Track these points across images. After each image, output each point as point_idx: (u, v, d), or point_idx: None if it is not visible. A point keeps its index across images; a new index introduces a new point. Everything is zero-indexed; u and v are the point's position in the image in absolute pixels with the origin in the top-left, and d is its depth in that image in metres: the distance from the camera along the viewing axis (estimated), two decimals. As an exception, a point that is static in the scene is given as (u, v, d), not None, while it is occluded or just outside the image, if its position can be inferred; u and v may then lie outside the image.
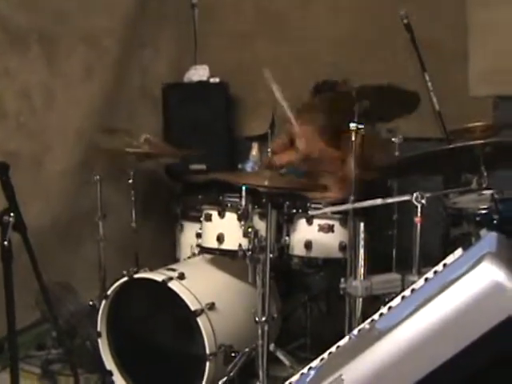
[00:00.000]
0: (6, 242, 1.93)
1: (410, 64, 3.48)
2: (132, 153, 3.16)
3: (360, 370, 1.17)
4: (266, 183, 2.48)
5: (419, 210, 2.19)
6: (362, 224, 2.31)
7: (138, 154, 3.17)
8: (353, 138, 2.64)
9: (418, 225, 2.19)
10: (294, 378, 1.47)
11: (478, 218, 2.63)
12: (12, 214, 1.96)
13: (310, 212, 2.85)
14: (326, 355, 1.47)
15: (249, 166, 3.57)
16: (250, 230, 2.67)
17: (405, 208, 2.94)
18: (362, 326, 1.49)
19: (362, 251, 2.27)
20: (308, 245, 2.88)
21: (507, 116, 3.69)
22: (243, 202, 2.76)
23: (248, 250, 2.67)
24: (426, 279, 1.49)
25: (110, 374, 2.86)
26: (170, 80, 4.26)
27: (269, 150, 2.64)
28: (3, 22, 3.28)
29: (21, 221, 2.00)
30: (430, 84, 3.27)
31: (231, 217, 2.83)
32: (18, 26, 3.34)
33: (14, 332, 2.02)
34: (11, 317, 1.99)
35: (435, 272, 1.50)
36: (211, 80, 4.20)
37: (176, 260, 3.38)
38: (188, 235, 3.32)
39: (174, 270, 2.85)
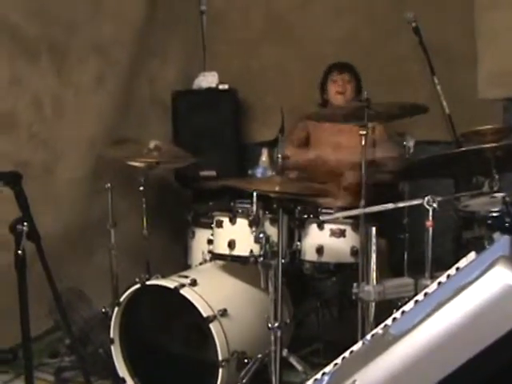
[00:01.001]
0: (20, 251, 1.95)
1: (416, 66, 3.49)
2: (142, 161, 3.18)
3: (374, 375, 1.17)
4: (277, 189, 2.48)
5: (431, 213, 2.18)
6: (373, 228, 2.31)
7: (148, 161, 3.19)
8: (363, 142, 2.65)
9: (430, 229, 2.19)
10: (308, 384, 1.47)
11: (489, 221, 2.62)
12: (25, 224, 1.97)
13: (321, 217, 2.85)
14: (339, 360, 1.47)
15: (259, 172, 3.56)
16: (261, 235, 2.67)
17: (416, 211, 2.94)
18: (375, 330, 1.49)
19: (374, 256, 2.27)
20: (320, 250, 2.88)
21: (517, 118, 3.69)
22: (254, 208, 2.76)
23: (259, 255, 2.67)
24: (439, 283, 1.49)
25: (123, 381, 2.87)
26: (179, 87, 4.27)
27: (279, 155, 2.64)
28: (14, 31, 3.31)
29: (34, 230, 2.01)
30: (439, 87, 3.28)
31: (242, 223, 2.84)
32: (28, 35, 3.37)
33: (28, 340, 2.03)
34: (25, 325, 2.00)
35: (448, 276, 1.50)
36: (220, 87, 4.21)
37: (187, 267, 3.38)
38: (199, 242, 3.32)
39: (186, 276, 2.85)
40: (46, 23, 3.45)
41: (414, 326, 1.16)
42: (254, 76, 4.40)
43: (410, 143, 3.21)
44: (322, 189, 3.12)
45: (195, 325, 2.68)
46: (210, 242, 3.10)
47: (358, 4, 4.13)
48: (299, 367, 2.78)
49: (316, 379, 1.45)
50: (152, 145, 3.24)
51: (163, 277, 2.87)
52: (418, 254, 2.49)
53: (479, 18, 3.81)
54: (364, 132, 2.63)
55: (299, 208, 2.90)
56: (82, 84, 3.66)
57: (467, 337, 1.11)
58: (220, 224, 2.93)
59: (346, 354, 1.47)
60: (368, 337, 1.49)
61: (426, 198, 2.20)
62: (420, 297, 1.50)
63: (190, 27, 4.50)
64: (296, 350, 2.94)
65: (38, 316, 2.41)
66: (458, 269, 1.49)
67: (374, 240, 2.28)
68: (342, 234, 2.86)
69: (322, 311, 3.34)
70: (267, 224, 2.79)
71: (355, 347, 1.49)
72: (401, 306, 1.52)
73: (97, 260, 3.62)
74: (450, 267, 1.54)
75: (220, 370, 2.59)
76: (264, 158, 3.53)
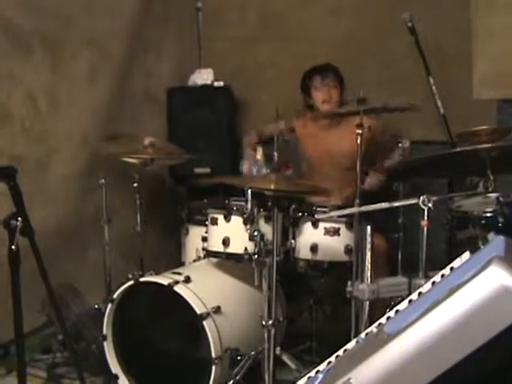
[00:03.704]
0: (13, 247, 1.93)
1: (411, 67, 3.49)
2: (137, 157, 3.17)
3: (369, 373, 1.17)
4: (272, 187, 2.48)
5: (426, 213, 2.18)
6: (368, 227, 2.31)
7: (142, 158, 3.18)
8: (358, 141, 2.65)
9: (425, 228, 2.19)
10: (302, 382, 1.47)
11: (483, 221, 2.63)
12: (19, 219, 1.96)
13: (316, 216, 2.85)
14: (333, 359, 1.47)
15: (253, 170, 3.57)
16: (255, 233, 2.68)
17: (410, 211, 2.94)
18: (369, 329, 1.49)
19: (368, 254, 2.27)
20: (314, 248, 2.88)
21: (511, 119, 3.70)
22: (249, 206, 2.76)
23: (254, 253, 2.68)
24: (434, 283, 1.49)
25: (116, 377, 2.87)
26: (175, 84, 4.27)
27: (275, 153, 2.64)
28: (7, 25, 3.29)
29: (28, 225, 2.00)
30: (434, 87, 3.28)
31: (237, 220, 2.84)
32: (22, 29, 3.36)
33: (21, 336, 2.02)
34: (19, 321, 1.99)
35: (442, 276, 1.50)
36: (215, 84, 4.21)
37: (181, 264, 3.38)
38: (193, 239, 3.32)
39: (179, 273, 2.85)
40: (40, 17, 3.43)
41: (409, 325, 1.16)
42: (249, 74, 4.40)
43: (406, 144, 3.22)
44: (317, 187, 3.12)
45: (188, 322, 2.68)
46: (204, 239, 3.10)
47: (354, 4, 4.13)
48: (292, 365, 2.79)
49: (310, 377, 1.45)
50: (147, 141, 3.23)
51: (157, 273, 2.87)
52: (412, 253, 2.50)
53: (475, 18, 3.82)
54: (360, 131, 2.63)
55: (294, 206, 2.91)
56: (76, 79, 3.65)
57: (461, 336, 1.11)
58: (214, 221, 2.93)
59: (340, 352, 1.48)
60: (362, 335, 1.50)
61: (422, 198, 2.20)
62: (414, 296, 1.50)
63: (186, 24, 4.50)
64: (289, 347, 2.95)
65: (30, 312, 2.40)
66: (452, 269, 1.49)
67: (368, 239, 2.28)
68: (336, 232, 2.86)
69: (315, 309, 3.35)
70: (262, 222, 2.80)
71: (349, 346, 1.49)
72: (394, 305, 1.53)
73: (90, 256, 3.62)
74: (444, 267, 1.54)
75: (213, 367, 2.60)
76: (258, 155, 3.53)
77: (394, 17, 3.43)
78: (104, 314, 2.87)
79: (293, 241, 2.91)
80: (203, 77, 4.23)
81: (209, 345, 2.59)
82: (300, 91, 3.63)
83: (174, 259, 3.62)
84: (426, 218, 2.19)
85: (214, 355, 2.59)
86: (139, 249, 3.21)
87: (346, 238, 2.87)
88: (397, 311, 1.47)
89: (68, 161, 3.61)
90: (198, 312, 2.61)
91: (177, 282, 2.70)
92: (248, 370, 2.70)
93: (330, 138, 3.56)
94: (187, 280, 2.76)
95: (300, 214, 2.91)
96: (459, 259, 1.54)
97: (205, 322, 2.60)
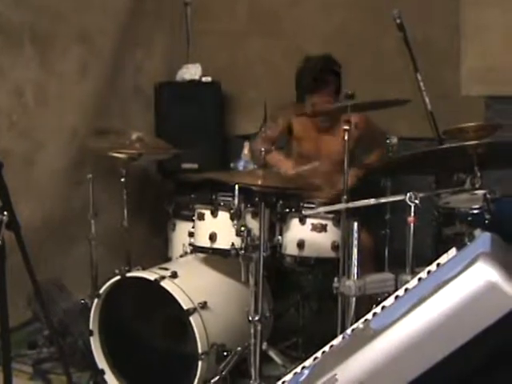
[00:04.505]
0: (-1, 241, 1.92)
1: (401, 63, 3.50)
2: (124, 152, 3.16)
3: (355, 369, 1.18)
4: (259, 182, 2.48)
5: (412, 209, 2.19)
6: (355, 223, 2.31)
7: (130, 152, 3.17)
8: (346, 138, 2.65)
9: (412, 224, 2.20)
10: (288, 377, 1.47)
11: (470, 218, 2.64)
12: (5, 213, 1.95)
13: (303, 212, 2.85)
14: (319, 354, 1.47)
15: (241, 165, 3.56)
16: (242, 228, 2.67)
17: (397, 207, 2.95)
18: (355, 325, 1.49)
19: (355, 251, 2.27)
20: (301, 244, 2.88)
21: (499, 116, 3.72)
22: (236, 201, 2.76)
23: (241, 248, 2.67)
24: (420, 279, 1.49)
25: (102, 372, 2.86)
26: (163, 78, 4.25)
27: (262, 149, 2.63)
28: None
29: (14, 219, 1.99)
30: (422, 84, 3.29)
31: (224, 216, 2.83)
32: (11, 24, 3.33)
33: (7, 331, 2.01)
34: (4, 316, 1.98)
35: (429, 272, 1.50)
36: (203, 79, 4.19)
37: (168, 259, 3.37)
38: (180, 234, 3.31)
39: (166, 268, 2.84)
40: (29, 12, 3.41)
41: (395, 321, 1.17)
42: (238, 69, 4.39)
43: (393, 141, 3.23)
44: (305, 183, 3.11)
45: (175, 317, 2.67)
46: (190, 234, 3.09)
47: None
48: (278, 360, 2.79)
49: (296, 373, 1.45)
50: (134, 136, 3.22)
51: (143, 269, 2.86)
52: (398, 249, 2.50)
53: (464, 14, 3.83)
54: (347, 127, 2.62)
55: (281, 202, 2.90)
56: (65, 73, 3.63)
57: (447, 332, 1.12)
58: (201, 216, 2.92)
59: (326, 348, 1.48)
60: (348, 331, 1.50)
61: (408, 194, 2.21)
62: (401, 292, 1.50)
63: (175, 18, 4.48)
64: (275, 343, 2.96)
65: (16, 306, 2.39)
66: (438, 265, 1.50)
67: (355, 235, 2.28)
68: (323, 228, 2.86)
69: (302, 305, 3.35)
70: (249, 217, 2.80)
71: (335, 341, 1.49)
72: (381, 301, 1.53)
73: (77, 251, 3.60)
74: (430, 263, 1.55)
75: (199, 363, 2.60)
76: (246, 151, 3.52)
77: (384, 13, 3.44)
78: (90, 309, 2.86)
79: (280, 237, 2.91)
80: (191, 72, 4.21)
81: (195, 340, 2.59)
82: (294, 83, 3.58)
83: (160, 254, 3.61)
84: (412, 214, 2.20)
85: (200, 351, 2.59)
86: (126, 244, 3.19)
87: (333, 234, 2.87)
88: (383, 307, 1.47)
89: (55, 155, 3.59)
90: (185, 307, 2.61)
91: (163, 278, 2.70)
92: (234, 366, 2.70)
93: (326, 140, 3.55)
94: (174, 275, 2.75)
95: (287, 209, 2.91)
96: (446, 255, 1.54)
97: (191, 318, 2.60)
